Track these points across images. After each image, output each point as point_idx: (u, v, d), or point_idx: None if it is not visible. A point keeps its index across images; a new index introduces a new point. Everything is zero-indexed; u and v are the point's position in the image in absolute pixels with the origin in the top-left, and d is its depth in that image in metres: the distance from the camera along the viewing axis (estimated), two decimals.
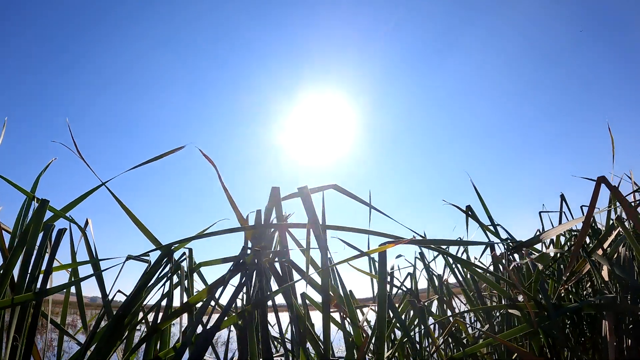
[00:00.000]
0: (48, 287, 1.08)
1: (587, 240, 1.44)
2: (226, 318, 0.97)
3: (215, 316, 0.96)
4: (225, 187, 1.26)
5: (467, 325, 1.35)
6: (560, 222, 1.51)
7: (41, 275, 1.07)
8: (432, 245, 1.06)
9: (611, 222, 1.19)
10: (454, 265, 1.42)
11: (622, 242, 1.05)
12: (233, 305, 1.06)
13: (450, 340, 1.34)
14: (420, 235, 1.29)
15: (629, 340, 1.03)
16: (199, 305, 1.01)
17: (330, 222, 1.07)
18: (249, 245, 1.16)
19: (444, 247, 1.29)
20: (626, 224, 1.03)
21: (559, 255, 1.23)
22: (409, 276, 1.41)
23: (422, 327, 1.01)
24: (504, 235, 1.41)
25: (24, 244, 1.02)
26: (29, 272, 1.05)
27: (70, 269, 1.22)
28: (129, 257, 1.21)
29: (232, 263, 1.11)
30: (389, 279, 1.36)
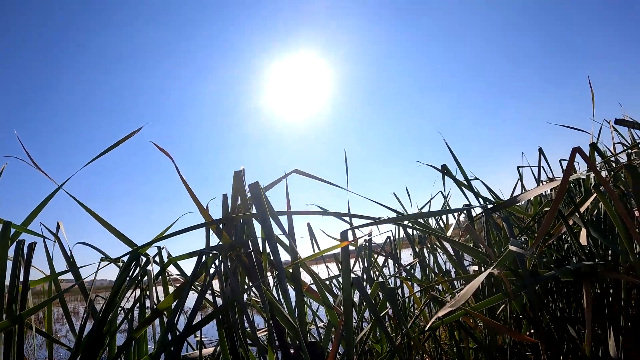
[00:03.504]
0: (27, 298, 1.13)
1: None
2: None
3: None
4: (184, 179, 1.21)
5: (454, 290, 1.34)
6: (539, 177, 1.40)
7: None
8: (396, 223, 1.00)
9: (591, 184, 1.07)
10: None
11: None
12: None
13: (432, 304, 1.34)
14: (396, 212, 1.22)
15: (615, 305, 0.98)
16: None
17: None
18: (217, 239, 1.13)
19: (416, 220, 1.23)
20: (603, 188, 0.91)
21: (536, 217, 1.14)
22: (388, 240, 1.38)
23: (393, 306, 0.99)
24: (484, 192, 1.32)
25: None
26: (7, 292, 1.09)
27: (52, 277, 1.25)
28: (102, 260, 1.22)
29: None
30: (365, 244, 1.32)
